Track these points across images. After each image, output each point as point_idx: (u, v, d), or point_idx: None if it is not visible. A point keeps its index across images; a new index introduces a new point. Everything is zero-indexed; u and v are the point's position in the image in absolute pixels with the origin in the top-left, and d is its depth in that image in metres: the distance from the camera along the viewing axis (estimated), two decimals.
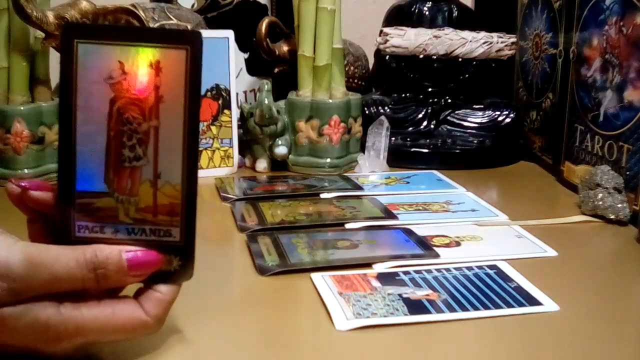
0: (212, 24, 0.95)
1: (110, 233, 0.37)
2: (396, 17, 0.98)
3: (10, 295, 0.33)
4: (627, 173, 0.66)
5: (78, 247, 0.35)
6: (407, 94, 0.95)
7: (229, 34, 0.82)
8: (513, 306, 0.46)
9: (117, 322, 0.36)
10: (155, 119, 0.36)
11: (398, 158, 0.85)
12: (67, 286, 0.35)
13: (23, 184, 0.37)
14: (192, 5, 0.98)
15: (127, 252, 0.36)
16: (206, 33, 0.84)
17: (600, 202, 0.64)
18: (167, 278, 0.37)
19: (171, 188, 0.37)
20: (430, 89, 0.94)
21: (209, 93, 0.81)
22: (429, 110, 0.93)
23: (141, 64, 0.36)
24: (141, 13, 0.79)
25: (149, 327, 0.37)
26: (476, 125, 0.92)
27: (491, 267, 0.53)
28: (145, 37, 0.36)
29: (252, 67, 1.00)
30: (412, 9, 0.97)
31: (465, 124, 0.93)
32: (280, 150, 0.82)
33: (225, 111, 0.83)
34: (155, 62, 0.36)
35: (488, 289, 0.48)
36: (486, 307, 0.45)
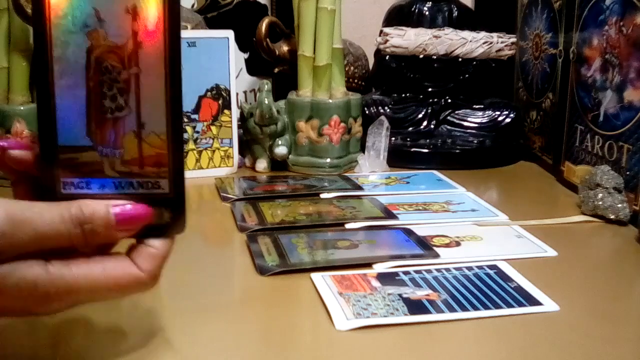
0: (212, 24, 0.95)
1: (96, 188, 0.35)
2: (396, 17, 0.98)
3: None
4: (627, 173, 0.66)
5: (63, 203, 0.34)
6: (407, 94, 0.95)
7: (229, 34, 0.82)
8: (513, 306, 0.46)
9: (109, 279, 0.34)
10: (136, 66, 0.35)
11: (398, 158, 0.85)
12: (53, 243, 0.33)
13: (2, 144, 0.36)
14: (192, 5, 0.98)
15: (115, 207, 0.34)
16: (206, 33, 0.84)
17: (600, 202, 0.64)
18: (159, 232, 0.36)
19: (156, 138, 0.35)
20: (430, 89, 0.94)
21: (209, 93, 0.81)
22: (429, 110, 0.93)
23: (117, 10, 0.34)
24: None
25: (142, 283, 0.35)
26: (476, 125, 0.92)
27: (491, 267, 0.53)
28: None
29: (252, 67, 1.00)
30: (412, 9, 0.97)
31: (465, 124, 0.93)
32: (280, 150, 0.82)
33: (225, 111, 0.83)
34: (132, 7, 0.34)
35: (488, 289, 0.48)
36: (486, 307, 0.45)
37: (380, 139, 0.83)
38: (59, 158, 0.35)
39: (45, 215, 0.33)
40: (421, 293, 0.47)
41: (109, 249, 0.37)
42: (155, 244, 0.36)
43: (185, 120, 0.80)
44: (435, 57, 0.93)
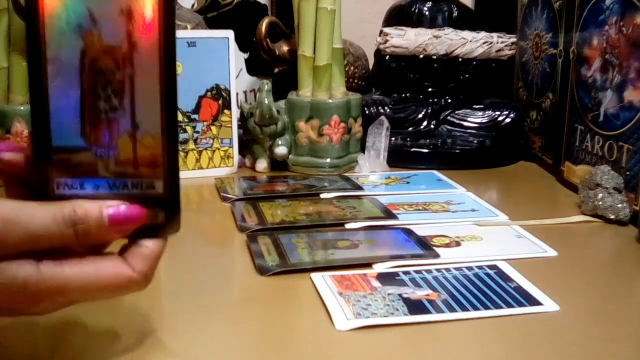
0: (212, 24, 0.95)
1: (90, 189, 0.35)
2: (396, 17, 0.98)
3: None
4: (627, 173, 0.66)
5: (56, 203, 0.34)
6: (407, 94, 0.95)
7: (229, 34, 0.82)
8: (513, 306, 0.46)
9: (101, 279, 0.34)
10: (130, 67, 0.35)
11: (398, 158, 0.85)
12: (45, 243, 0.33)
13: None
14: (192, 5, 0.98)
15: (108, 208, 0.34)
16: (206, 33, 0.84)
17: (600, 202, 0.64)
18: (153, 232, 0.36)
19: (151, 138, 0.35)
20: (430, 89, 0.94)
21: (209, 93, 0.81)
22: (429, 110, 0.93)
23: (112, 11, 0.34)
24: None
25: (135, 283, 0.35)
26: (476, 125, 0.92)
27: (491, 267, 0.53)
28: None
29: (252, 67, 1.00)
30: (412, 9, 0.97)
31: (465, 124, 0.93)
32: (280, 150, 0.82)
33: (225, 111, 0.83)
34: (126, 8, 0.34)
35: (488, 289, 0.48)
36: (486, 307, 0.45)
37: (380, 139, 0.83)
38: (52, 159, 0.35)
39: (38, 216, 0.33)
40: (421, 293, 0.47)
41: (102, 249, 0.37)
42: (149, 244, 0.36)
43: (185, 120, 0.80)
44: (435, 57, 0.93)
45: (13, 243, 0.32)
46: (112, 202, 0.35)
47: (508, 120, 0.92)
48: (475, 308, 0.45)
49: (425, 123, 0.93)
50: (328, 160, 0.82)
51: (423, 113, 0.93)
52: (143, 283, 0.35)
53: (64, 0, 0.34)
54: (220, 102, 0.82)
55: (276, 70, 0.91)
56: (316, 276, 0.50)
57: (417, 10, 0.97)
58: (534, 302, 0.47)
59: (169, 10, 0.35)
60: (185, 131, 0.80)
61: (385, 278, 0.50)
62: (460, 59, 0.93)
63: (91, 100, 0.35)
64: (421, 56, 0.93)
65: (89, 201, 0.34)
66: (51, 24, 0.34)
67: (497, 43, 0.93)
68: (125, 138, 0.35)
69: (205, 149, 0.82)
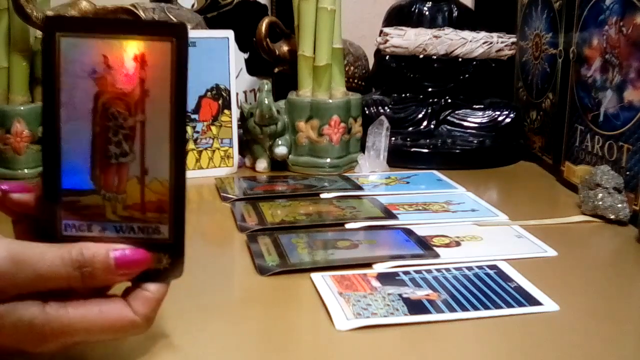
0: (212, 24, 0.95)
1: (97, 231, 0.36)
2: (396, 17, 0.98)
3: None
4: (627, 173, 0.66)
5: (64, 245, 0.34)
6: (407, 94, 0.95)
7: (229, 34, 0.82)
8: (513, 306, 0.46)
9: (105, 322, 0.35)
10: (142, 114, 0.35)
11: (398, 158, 0.85)
12: (52, 284, 0.34)
13: (3, 187, 0.36)
14: (192, 5, 0.98)
15: (115, 251, 0.35)
16: (206, 33, 0.84)
17: (600, 202, 0.64)
18: (156, 276, 0.37)
19: (159, 184, 0.36)
20: (430, 89, 0.94)
21: (209, 93, 0.81)
22: (429, 110, 0.93)
23: (126, 57, 0.35)
24: (141, 13, 0.79)
25: (137, 327, 0.36)
26: (476, 125, 0.92)
27: (491, 267, 0.53)
28: (130, 29, 0.35)
29: (252, 67, 1.00)
30: (412, 9, 0.97)
31: (465, 124, 0.93)
32: (280, 150, 0.82)
33: (225, 111, 0.83)
34: (140, 55, 0.35)
35: (488, 289, 0.48)
36: (486, 307, 0.45)
37: (380, 139, 0.83)
38: (62, 200, 0.36)
39: (47, 257, 0.34)
40: (421, 293, 0.47)
41: (106, 290, 0.37)
42: (151, 288, 0.36)
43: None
44: (435, 57, 0.93)
45: (22, 283, 0.33)
46: (119, 245, 0.35)
47: (508, 120, 0.92)
48: (475, 308, 0.45)
49: (425, 123, 0.93)
50: (328, 160, 0.82)
51: (423, 113, 0.93)
52: (145, 326, 0.36)
53: (79, 45, 0.35)
54: (220, 102, 0.82)
55: (276, 70, 0.91)
56: (316, 276, 0.50)
57: (417, 10, 0.97)
58: (534, 302, 0.47)
59: (182, 58, 0.35)
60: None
61: (385, 278, 0.50)
62: (460, 59, 0.93)
63: (102, 144, 0.35)
64: (421, 56, 0.93)
65: (96, 244, 0.35)
66: (66, 68, 0.35)
67: (497, 43, 0.93)
68: (134, 183, 0.36)
69: (205, 149, 0.82)
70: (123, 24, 0.36)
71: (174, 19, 0.84)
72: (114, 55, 0.35)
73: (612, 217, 0.64)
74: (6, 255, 0.33)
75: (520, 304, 0.46)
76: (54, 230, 0.36)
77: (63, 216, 0.36)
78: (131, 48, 0.35)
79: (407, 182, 0.79)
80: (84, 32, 0.35)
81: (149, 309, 0.36)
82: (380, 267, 0.52)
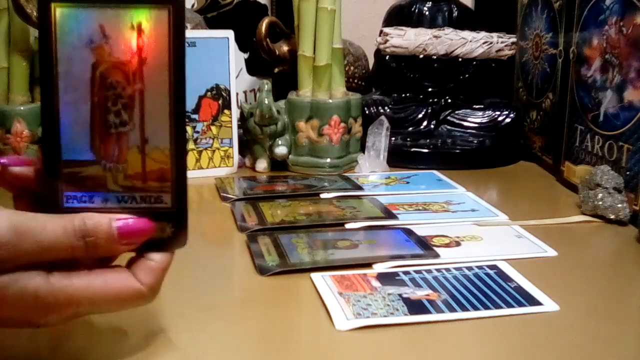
0: (212, 24, 0.95)
1: (99, 202, 0.36)
2: (396, 17, 0.98)
3: None
4: (627, 173, 0.66)
5: (66, 215, 0.34)
6: (407, 94, 0.95)
7: (229, 34, 0.82)
8: (513, 306, 0.46)
9: (110, 292, 0.35)
10: (140, 82, 0.35)
11: (398, 158, 0.85)
12: (55, 255, 0.34)
13: (2, 161, 0.36)
14: (192, 5, 0.98)
15: (118, 220, 0.35)
16: (206, 33, 0.84)
17: (600, 202, 0.64)
18: (160, 246, 0.36)
19: (160, 153, 0.36)
20: (430, 89, 0.94)
21: (209, 93, 0.81)
22: (429, 110, 0.93)
23: (122, 26, 0.35)
24: None
25: (143, 297, 0.36)
26: (476, 125, 0.92)
27: (491, 267, 0.53)
28: None
29: (252, 67, 1.00)
30: (412, 9, 0.97)
31: (465, 124, 0.93)
32: (280, 150, 0.82)
33: (225, 111, 0.83)
34: (137, 24, 0.35)
35: (488, 289, 0.48)
36: (486, 307, 0.45)
37: (380, 139, 0.83)
38: (62, 172, 0.36)
39: (49, 227, 0.33)
40: (421, 293, 0.47)
41: (110, 262, 0.37)
42: (156, 258, 0.36)
43: (186, 120, 0.80)
44: (435, 57, 0.93)
45: (24, 254, 0.33)
46: (121, 215, 0.35)
47: (508, 120, 0.92)
48: (475, 308, 0.45)
49: (425, 123, 0.93)
50: (328, 160, 0.82)
51: (423, 113, 0.93)
52: (150, 296, 0.36)
53: (75, 15, 0.35)
54: (220, 102, 0.82)
55: (276, 70, 0.91)
56: (316, 276, 0.50)
57: (417, 10, 0.97)
58: (534, 302, 0.47)
59: (179, 25, 0.35)
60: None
61: (385, 278, 0.50)
62: (460, 59, 0.93)
63: (101, 114, 0.35)
64: (421, 56, 0.93)
65: (99, 214, 0.35)
66: (63, 39, 0.35)
67: (497, 43, 0.93)
68: (135, 152, 0.36)
69: (205, 149, 0.82)
70: None
71: None
72: (110, 24, 0.35)
73: (612, 217, 0.64)
74: (8, 225, 0.32)
75: (520, 304, 0.46)
76: (55, 202, 0.36)
77: (64, 188, 0.36)
78: (128, 16, 0.35)
79: (407, 182, 0.79)
80: (80, 1, 0.35)
81: (154, 278, 0.36)
82: (380, 267, 0.52)
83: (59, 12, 0.34)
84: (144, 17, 0.35)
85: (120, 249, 0.35)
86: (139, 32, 0.35)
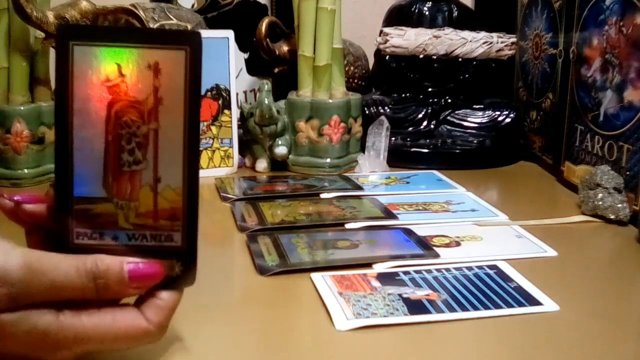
0: (212, 24, 0.95)
1: (109, 239, 0.36)
2: (396, 17, 0.98)
3: (9, 301, 0.33)
4: (627, 173, 0.66)
5: (79, 256, 0.35)
6: (407, 94, 0.95)
7: (229, 34, 0.82)
8: (513, 306, 0.46)
9: (118, 330, 0.35)
10: (155, 122, 0.35)
11: (398, 158, 0.85)
12: (66, 295, 0.34)
13: (16, 198, 0.37)
14: (192, 5, 0.98)
15: (129, 264, 0.35)
16: (206, 33, 0.84)
17: (600, 202, 0.64)
18: (169, 284, 0.37)
19: (172, 192, 0.36)
20: (430, 89, 0.94)
21: (209, 93, 0.81)
22: (429, 110, 0.93)
23: (139, 66, 0.35)
24: (141, 13, 0.79)
25: (151, 335, 0.36)
26: (476, 125, 0.92)
27: (491, 267, 0.53)
28: (143, 38, 0.35)
29: (252, 67, 1.00)
30: (412, 9, 0.97)
31: (465, 124, 0.93)
32: (280, 150, 0.82)
33: (225, 111, 0.83)
34: (154, 64, 0.35)
35: (488, 289, 0.48)
36: (486, 307, 0.45)
37: (380, 139, 0.83)
38: (73, 209, 0.36)
39: (62, 267, 0.34)
40: (421, 293, 0.47)
41: (119, 300, 0.37)
42: (164, 296, 0.36)
43: None
44: (435, 57, 0.93)
45: (36, 292, 0.33)
46: (133, 258, 0.36)
47: (508, 120, 0.92)
48: (475, 308, 0.45)
49: (425, 123, 0.93)
50: (328, 160, 0.82)
51: (423, 113, 0.93)
52: (158, 334, 0.36)
53: (93, 54, 0.35)
54: (220, 102, 0.82)
55: (276, 70, 0.91)
56: (316, 276, 0.50)
57: (417, 10, 0.97)
58: (534, 302, 0.47)
59: (196, 67, 0.35)
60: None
61: (385, 278, 0.50)
62: (460, 59, 0.93)
63: (115, 152, 0.36)
64: (421, 56, 0.93)
65: (111, 256, 0.35)
66: (79, 76, 0.35)
67: (497, 43, 0.93)
68: (147, 190, 0.36)
69: (205, 149, 0.82)
70: (137, 32, 0.36)
71: (173, 19, 0.84)
72: (127, 63, 0.35)
73: (612, 217, 0.64)
74: (21, 263, 0.33)
75: (520, 304, 0.46)
76: (66, 238, 0.36)
77: (75, 224, 0.36)
78: (145, 56, 0.35)
79: (407, 182, 0.79)
80: (98, 40, 0.35)
81: (162, 317, 0.36)
82: (380, 267, 0.52)
83: (76, 50, 0.35)
84: (161, 58, 0.35)
85: (129, 291, 0.36)
86: (155, 72, 0.35)
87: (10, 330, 0.33)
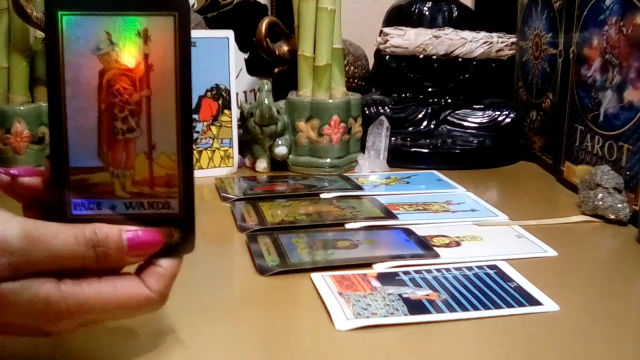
0: (212, 24, 0.95)
1: (107, 209, 0.36)
2: (396, 17, 0.98)
3: (10, 270, 0.33)
4: (627, 173, 0.66)
5: (77, 225, 0.34)
6: (407, 94, 0.95)
7: (229, 34, 0.82)
8: (513, 306, 0.46)
9: (120, 299, 0.35)
10: (147, 89, 0.35)
11: (398, 158, 0.85)
12: (67, 263, 0.34)
13: (12, 172, 0.37)
14: (192, 5, 0.98)
15: (128, 232, 0.35)
16: (206, 33, 0.84)
17: (600, 202, 0.64)
18: (168, 252, 0.37)
19: (167, 158, 0.36)
20: (430, 89, 0.94)
21: (209, 93, 0.81)
22: (429, 110, 0.93)
23: (129, 33, 0.35)
24: None
25: (152, 303, 0.36)
26: (476, 125, 0.92)
27: (491, 267, 0.53)
28: (132, 5, 0.35)
29: (252, 67, 1.00)
30: (412, 9, 0.97)
31: (465, 124, 0.93)
32: (280, 150, 0.82)
33: (225, 111, 0.83)
34: (143, 31, 0.35)
35: (488, 289, 0.48)
36: (486, 307, 0.45)
37: (380, 139, 0.83)
38: (69, 179, 0.36)
39: (61, 236, 0.34)
40: (421, 293, 0.47)
41: (119, 269, 0.37)
42: (164, 264, 0.36)
43: None
44: (435, 57, 0.93)
45: (36, 261, 0.33)
46: (131, 227, 0.36)
47: (508, 120, 0.92)
48: (475, 308, 0.45)
49: (425, 123, 0.93)
50: (328, 160, 0.82)
51: (423, 113, 0.93)
52: (159, 302, 0.36)
53: (82, 23, 0.35)
54: (220, 102, 0.82)
55: (276, 70, 0.91)
56: (316, 276, 0.50)
57: (417, 10, 0.97)
58: (534, 302, 0.47)
59: (185, 32, 0.35)
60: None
61: (385, 278, 0.50)
62: (460, 59, 0.93)
63: (108, 121, 0.36)
64: (421, 56, 0.93)
65: (109, 225, 0.35)
66: (69, 46, 0.35)
67: (497, 43, 0.93)
68: (142, 158, 0.36)
69: (205, 149, 0.82)
70: (125, 0, 0.35)
71: None
72: (117, 31, 0.35)
73: (612, 217, 0.64)
74: (20, 233, 0.33)
75: (520, 304, 0.46)
76: (64, 210, 0.36)
77: (71, 195, 0.36)
78: (134, 24, 0.35)
79: (407, 182, 0.79)
80: (86, 9, 0.35)
81: (163, 284, 0.36)
82: (380, 267, 0.52)
83: (65, 19, 0.35)
84: (150, 24, 0.35)
85: (129, 260, 0.36)
86: (145, 39, 0.35)
87: (12, 300, 0.33)
